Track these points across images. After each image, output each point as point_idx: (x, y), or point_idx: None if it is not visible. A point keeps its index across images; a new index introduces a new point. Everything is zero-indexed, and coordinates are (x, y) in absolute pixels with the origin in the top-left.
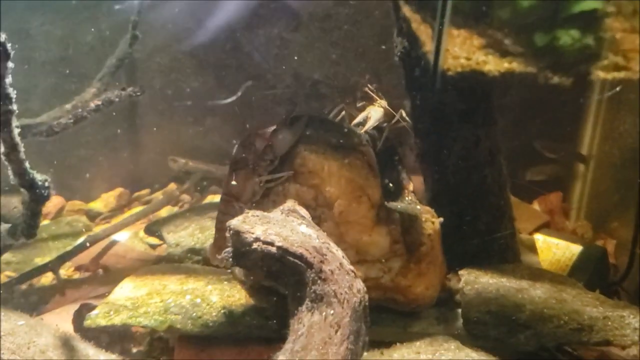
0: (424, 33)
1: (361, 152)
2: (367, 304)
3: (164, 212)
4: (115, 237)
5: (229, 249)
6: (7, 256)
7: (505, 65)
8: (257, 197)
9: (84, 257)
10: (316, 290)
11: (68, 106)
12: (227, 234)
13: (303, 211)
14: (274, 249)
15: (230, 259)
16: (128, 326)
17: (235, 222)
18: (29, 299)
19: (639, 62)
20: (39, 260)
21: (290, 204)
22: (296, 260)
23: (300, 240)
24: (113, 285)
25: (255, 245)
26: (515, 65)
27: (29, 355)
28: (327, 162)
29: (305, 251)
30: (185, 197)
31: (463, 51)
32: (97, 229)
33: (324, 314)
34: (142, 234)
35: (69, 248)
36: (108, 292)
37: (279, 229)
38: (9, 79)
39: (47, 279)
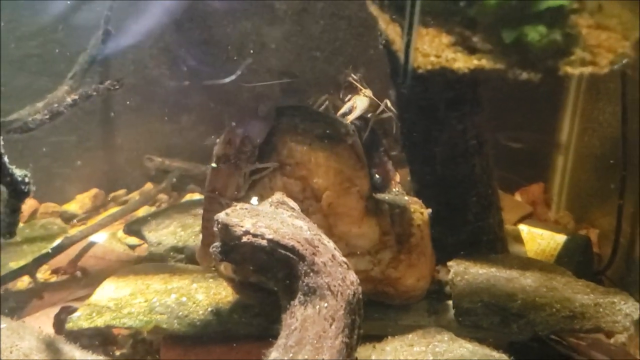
0: (393, 31)
1: (349, 143)
2: (360, 296)
3: (142, 212)
4: (92, 238)
5: (218, 244)
6: None
7: (474, 62)
8: (243, 192)
9: (62, 260)
10: (309, 283)
11: (40, 104)
12: (215, 228)
13: (292, 203)
14: (264, 242)
15: (219, 254)
16: (112, 328)
17: (223, 216)
18: (5, 304)
19: (605, 57)
20: (14, 265)
21: (278, 196)
22: (288, 253)
23: (291, 232)
24: (92, 287)
25: (245, 239)
26: (485, 62)
27: (11, 358)
28: (315, 153)
29: (297, 243)
30: (163, 196)
31: (432, 49)
32: (73, 231)
33: (317, 307)
34: (120, 234)
35: (45, 251)
36: (88, 294)
37: (268, 221)
38: None
39: (23, 283)
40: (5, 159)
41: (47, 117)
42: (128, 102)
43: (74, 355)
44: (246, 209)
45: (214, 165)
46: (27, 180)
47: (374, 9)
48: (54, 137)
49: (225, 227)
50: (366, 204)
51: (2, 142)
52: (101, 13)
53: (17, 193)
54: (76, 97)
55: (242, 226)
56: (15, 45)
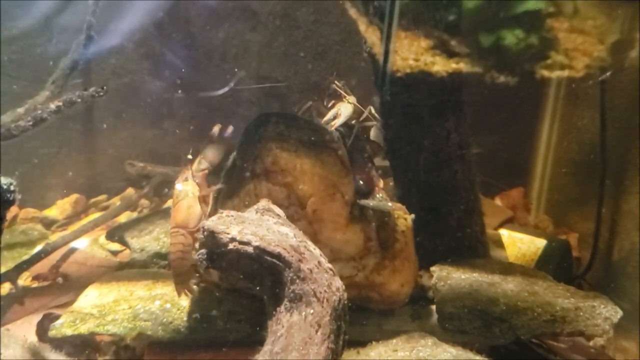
0: (372, 35)
1: (333, 149)
2: (346, 302)
3: (123, 217)
4: (74, 244)
5: (203, 251)
6: None
7: (452, 65)
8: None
9: (43, 266)
10: (295, 289)
11: (21, 109)
12: (201, 235)
13: (278, 210)
14: (250, 249)
15: (205, 261)
16: (95, 335)
17: (209, 223)
18: None
19: (581, 61)
20: None
21: (264, 203)
22: (274, 260)
23: (277, 239)
24: (74, 293)
25: (231, 246)
26: (462, 66)
27: None
28: (300, 159)
29: (283, 250)
30: (145, 202)
31: (411, 53)
32: (54, 237)
33: (303, 313)
34: (102, 240)
35: (25, 257)
36: (70, 300)
37: (254, 228)
38: None
39: (4, 289)
40: None
41: (30, 123)
42: (109, 107)
43: None
44: (232, 216)
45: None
46: (12, 188)
47: (353, 12)
48: (34, 143)
49: (212, 235)
50: (351, 210)
51: None
52: (82, 17)
53: (2, 201)
54: (60, 103)
55: (228, 233)
56: None
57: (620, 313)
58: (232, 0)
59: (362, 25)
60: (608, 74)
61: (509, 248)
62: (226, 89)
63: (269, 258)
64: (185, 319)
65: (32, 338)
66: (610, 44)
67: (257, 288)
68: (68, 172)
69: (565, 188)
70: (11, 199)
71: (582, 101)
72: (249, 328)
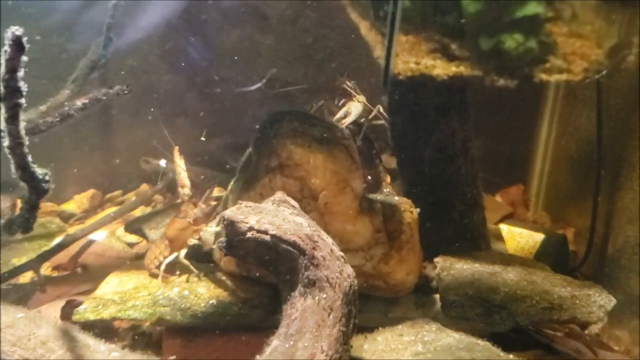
0: (374, 39)
1: (344, 146)
2: (356, 288)
3: (138, 212)
4: (92, 236)
5: (223, 239)
6: None
7: (453, 69)
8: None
9: (62, 257)
10: (309, 275)
11: (43, 107)
12: (221, 225)
13: (293, 201)
14: (267, 237)
15: (224, 249)
16: (117, 319)
17: (229, 213)
18: (8, 297)
19: (579, 64)
20: (16, 261)
21: (280, 195)
22: (289, 248)
23: (292, 228)
24: (93, 282)
25: (249, 234)
26: (463, 69)
27: (30, 346)
28: (313, 155)
29: (298, 238)
30: (158, 197)
31: (412, 56)
32: (72, 230)
33: (316, 298)
34: (119, 233)
35: (46, 248)
36: (89, 289)
37: (271, 218)
38: (21, 73)
39: (25, 278)
40: (30, 158)
41: (57, 119)
42: (125, 106)
43: (88, 343)
44: (250, 206)
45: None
46: (47, 178)
47: (354, 16)
48: (53, 139)
49: (231, 224)
50: (360, 203)
51: (27, 142)
52: (100, 18)
53: (38, 191)
54: (86, 100)
55: (247, 222)
56: None
57: (614, 301)
58: (244, 5)
59: (364, 29)
60: (604, 72)
61: (509, 242)
62: (259, 85)
63: (284, 246)
64: (202, 305)
65: None
66: (608, 48)
67: (273, 274)
68: (85, 168)
69: (562, 185)
70: (46, 188)
71: (580, 102)
72: (262, 314)
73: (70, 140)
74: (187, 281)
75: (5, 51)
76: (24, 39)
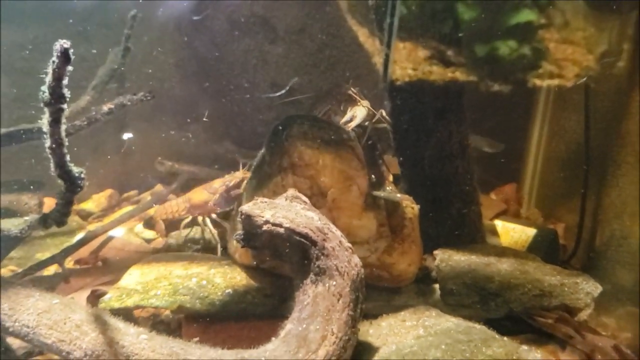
0: (372, 46)
1: (350, 147)
2: (363, 276)
3: (152, 211)
4: (111, 232)
5: (240, 232)
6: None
7: (449, 74)
8: None
9: (83, 252)
10: (320, 265)
11: (66, 111)
12: (239, 219)
13: (304, 197)
14: (282, 230)
15: (242, 241)
16: (141, 307)
17: (246, 208)
18: (37, 287)
19: (571, 70)
20: (40, 256)
21: (292, 191)
22: (302, 239)
23: (304, 221)
24: (113, 275)
25: (265, 227)
26: (459, 75)
27: (65, 329)
28: (321, 155)
29: (310, 231)
30: (172, 196)
31: (409, 62)
32: (92, 227)
33: (327, 285)
34: (137, 229)
35: (67, 244)
36: (109, 280)
37: (285, 212)
38: (65, 81)
39: (49, 271)
40: (68, 157)
41: (85, 123)
42: (141, 112)
43: (118, 326)
44: (265, 202)
45: None
46: (82, 176)
47: (353, 24)
48: (72, 141)
49: (248, 218)
50: (365, 200)
51: (66, 142)
52: (116, 25)
53: (74, 187)
54: (112, 106)
55: (262, 216)
56: (40, 59)
57: (600, 288)
58: (253, 16)
59: (362, 36)
60: (584, 79)
61: (503, 236)
62: (282, 92)
63: (297, 237)
64: (219, 293)
65: None
66: (599, 54)
67: (287, 264)
68: (103, 169)
69: (553, 183)
70: (81, 184)
71: (569, 105)
72: (274, 302)
73: (89, 143)
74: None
75: (54, 61)
76: (71, 51)
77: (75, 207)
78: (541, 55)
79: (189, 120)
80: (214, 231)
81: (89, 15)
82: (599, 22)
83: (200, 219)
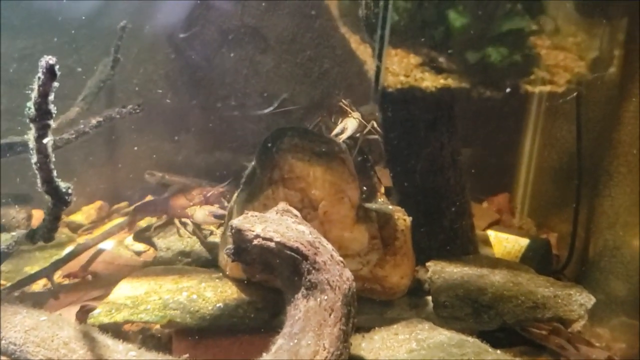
0: (364, 52)
1: (342, 159)
2: (354, 290)
3: (143, 223)
4: (101, 245)
5: (231, 246)
6: None
7: (441, 81)
8: None
9: (73, 265)
10: (311, 279)
11: (54, 124)
12: (229, 233)
13: (295, 211)
14: (272, 244)
15: (232, 255)
16: (130, 323)
17: (236, 222)
18: (25, 303)
19: (563, 76)
20: (29, 269)
21: (283, 205)
22: (293, 253)
23: (295, 235)
24: (103, 289)
25: (255, 242)
26: (451, 82)
27: (53, 347)
28: (312, 168)
29: (301, 245)
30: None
31: (401, 69)
32: (81, 240)
33: (318, 299)
34: (126, 242)
35: (56, 257)
36: (99, 295)
37: (276, 226)
38: (51, 97)
39: (38, 285)
40: (55, 173)
41: (73, 136)
42: (131, 122)
43: (107, 343)
44: (256, 216)
45: None
46: (69, 191)
47: (345, 31)
48: (62, 152)
49: (239, 232)
50: (357, 212)
51: (53, 158)
52: (106, 37)
53: (61, 202)
54: (101, 119)
55: (253, 231)
56: (28, 70)
57: (593, 300)
58: (244, 27)
59: (354, 43)
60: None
61: (496, 247)
62: (271, 109)
63: (288, 252)
64: (210, 308)
65: None
66: (590, 60)
67: (278, 278)
68: (93, 180)
69: (546, 193)
70: (68, 200)
71: (561, 115)
72: (266, 316)
73: (79, 154)
74: None
75: (39, 77)
76: (56, 67)
77: (65, 219)
78: (533, 62)
79: (179, 131)
80: (186, 232)
81: (78, 26)
82: (590, 29)
83: (176, 221)
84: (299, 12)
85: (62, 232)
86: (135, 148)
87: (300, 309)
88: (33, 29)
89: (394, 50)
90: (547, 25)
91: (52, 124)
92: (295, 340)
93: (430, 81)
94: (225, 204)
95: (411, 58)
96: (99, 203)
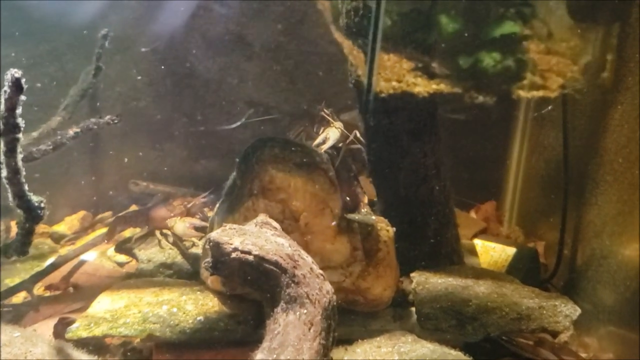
0: (356, 58)
1: (323, 170)
2: (335, 303)
3: (127, 233)
4: (83, 256)
5: (209, 259)
6: None
7: (433, 86)
8: None
9: (54, 277)
10: (290, 292)
11: (35, 134)
12: (207, 246)
13: (274, 223)
14: (251, 257)
15: (210, 268)
16: (109, 337)
17: (214, 235)
18: (4, 317)
19: (555, 81)
20: (9, 282)
21: (262, 217)
22: (272, 267)
23: (274, 248)
24: (85, 301)
25: (234, 255)
26: (443, 87)
27: None
28: (293, 179)
29: (280, 258)
30: None
31: (394, 74)
32: (64, 251)
33: (298, 313)
34: (109, 253)
35: (38, 268)
36: (80, 307)
37: (254, 239)
38: (19, 110)
39: (19, 297)
40: (26, 187)
41: (50, 147)
42: (114, 131)
43: (81, 359)
44: (234, 228)
45: None
46: (42, 205)
47: (338, 36)
48: (44, 161)
49: (217, 245)
50: (339, 223)
51: (24, 173)
52: (89, 47)
53: (34, 217)
54: (78, 129)
55: (231, 244)
56: None
57: (578, 311)
58: (228, 33)
59: (346, 48)
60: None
61: (482, 256)
62: (238, 123)
63: (267, 265)
64: (190, 321)
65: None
66: (583, 65)
67: (257, 292)
68: (76, 190)
69: (533, 201)
70: (41, 214)
71: (548, 122)
72: (247, 329)
73: (61, 163)
74: None
75: (5, 91)
76: (23, 80)
77: (47, 229)
78: (525, 67)
79: (164, 139)
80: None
81: (59, 34)
82: (583, 33)
83: (157, 232)
84: (284, 18)
85: (45, 243)
86: (120, 157)
87: (280, 323)
88: (14, 37)
89: (387, 55)
90: (540, 29)
91: (21, 137)
92: (275, 355)
93: (422, 86)
94: (208, 214)
95: (404, 63)
96: (82, 213)
